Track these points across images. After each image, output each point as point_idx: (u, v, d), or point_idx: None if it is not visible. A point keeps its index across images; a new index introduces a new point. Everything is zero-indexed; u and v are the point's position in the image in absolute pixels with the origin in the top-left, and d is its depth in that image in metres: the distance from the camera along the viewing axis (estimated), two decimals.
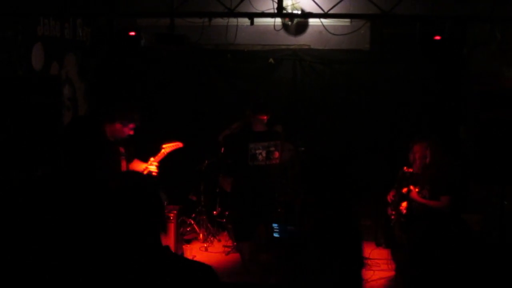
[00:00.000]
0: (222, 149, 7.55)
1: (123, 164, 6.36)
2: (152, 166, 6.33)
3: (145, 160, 6.42)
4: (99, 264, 2.46)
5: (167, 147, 6.56)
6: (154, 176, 6.30)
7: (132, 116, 6.09)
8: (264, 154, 6.61)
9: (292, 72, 8.73)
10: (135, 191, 2.49)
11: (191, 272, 2.46)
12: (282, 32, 8.63)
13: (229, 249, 7.72)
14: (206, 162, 8.14)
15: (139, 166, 6.44)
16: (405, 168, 6.64)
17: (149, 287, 2.35)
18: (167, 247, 2.52)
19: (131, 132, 6.16)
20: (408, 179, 6.56)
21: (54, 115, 6.60)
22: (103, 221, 2.49)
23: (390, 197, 6.80)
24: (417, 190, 6.38)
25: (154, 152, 6.48)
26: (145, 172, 6.23)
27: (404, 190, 6.53)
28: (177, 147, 6.70)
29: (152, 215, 2.49)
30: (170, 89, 8.73)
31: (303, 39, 8.72)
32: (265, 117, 6.88)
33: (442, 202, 6.20)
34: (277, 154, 6.72)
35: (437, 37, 6.03)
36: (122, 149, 6.37)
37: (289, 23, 8.48)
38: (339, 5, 6.00)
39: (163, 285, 2.37)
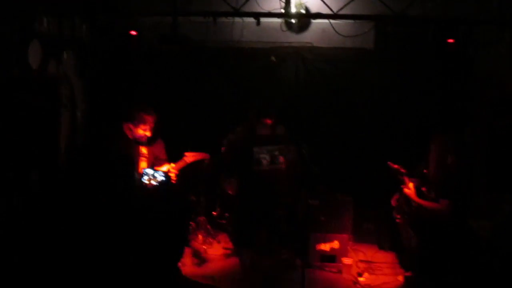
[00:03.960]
0: (223, 148, 7.40)
1: (143, 165, 6.27)
2: (171, 174, 6.21)
3: None
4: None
5: (189, 157, 6.44)
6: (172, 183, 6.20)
7: (141, 117, 6.02)
8: (268, 158, 6.48)
9: (294, 70, 8.59)
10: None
11: None
12: (285, 30, 8.46)
13: (229, 252, 7.56)
14: (207, 162, 7.97)
15: (162, 168, 6.34)
16: (389, 163, 6.54)
17: None
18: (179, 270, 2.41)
19: (147, 134, 6.08)
20: (401, 175, 6.45)
21: (51, 116, 6.47)
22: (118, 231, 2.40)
23: (394, 201, 6.69)
24: (424, 189, 6.26)
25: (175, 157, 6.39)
26: None
27: (402, 186, 6.43)
28: (201, 157, 6.57)
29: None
30: (171, 89, 8.57)
31: (306, 37, 8.56)
32: (269, 121, 6.74)
33: (441, 205, 6.04)
34: (282, 159, 6.58)
35: (451, 40, 5.86)
36: (145, 150, 6.26)
37: (293, 21, 8.31)
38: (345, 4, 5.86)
39: None
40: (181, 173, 6.50)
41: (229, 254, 7.51)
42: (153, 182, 5.88)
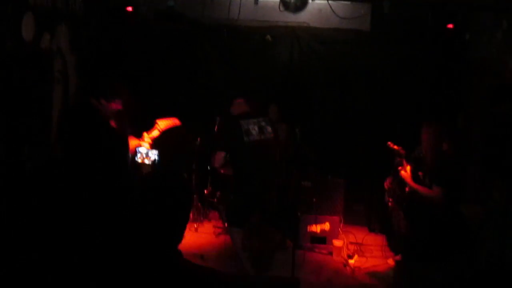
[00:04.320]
0: (216, 127, 7.36)
1: None
2: (145, 143, 6.10)
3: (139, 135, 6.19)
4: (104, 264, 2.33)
5: (162, 124, 6.32)
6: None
7: (115, 90, 5.83)
8: (256, 128, 6.35)
9: (289, 50, 8.55)
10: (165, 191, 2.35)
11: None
12: (282, 10, 8.38)
13: (220, 230, 7.58)
14: (199, 139, 7.93)
15: (131, 142, 6.18)
16: (389, 143, 6.48)
17: None
18: (180, 253, 2.38)
19: (119, 107, 5.91)
20: (401, 157, 6.40)
21: (44, 90, 6.39)
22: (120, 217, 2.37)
23: (387, 184, 6.67)
24: (420, 174, 6.22)
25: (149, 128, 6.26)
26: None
27: (399, 168, 6.38)
28: (174, 124, 6.45)
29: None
30: (166, 65, 8.50)
31: (302, 17, 8.48)
32: (242, 100, 6.62)
33: (434, 192, 5.99)
34: (270, 129, 6.47)
35: (450, 26, 5.81)
36: (113, 124, 6.14)
37: (291, 0, 8.24)
38: None
39: None
40: (159, 143, 6.37)
41: (219, 233, 7.53)
42: (146, 161, 5.81)
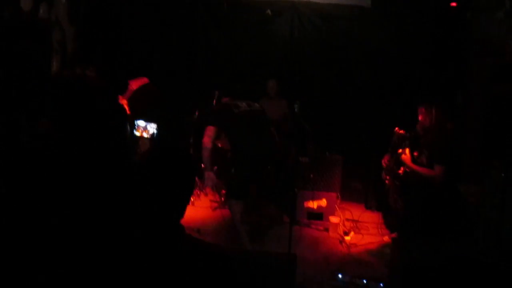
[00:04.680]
0: (215, 100, 7.34)
1: None
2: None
3: None
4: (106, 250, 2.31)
5: (133, 83, 6.34)
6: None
7: (87, 57, 5.82)
8: (244, 103, 6.43)
9: (289, 25, 8.51)
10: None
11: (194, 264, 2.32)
12: None
13: (216, 204, 7.57)
14: (197, 113, 7.89)
15: None
16: (396, 128, 6.48)
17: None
18: (182, 228, 2.36)
19: (93, 74, 5.89)
20: (405, 141, 6.38)
21: (42, 60, 6.34)
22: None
23: (384, 162, 6.66)
24: (415, 154, 6.21)
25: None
26: None
27: (399, 151, 6.36)
28: (143, 82, 6.48)
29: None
30: (165, 38, 8.45)
31: None
32: (227, 99, 6.74)
33: (435, 171, 5.99)
34: (257, 105, 6.53)
35: (453, 4, 5.77)
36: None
37: None
38: None
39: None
40: (133, 102, 6.37)
41: (216, 207, 7.53)
42: (145, 135, 5.79)
